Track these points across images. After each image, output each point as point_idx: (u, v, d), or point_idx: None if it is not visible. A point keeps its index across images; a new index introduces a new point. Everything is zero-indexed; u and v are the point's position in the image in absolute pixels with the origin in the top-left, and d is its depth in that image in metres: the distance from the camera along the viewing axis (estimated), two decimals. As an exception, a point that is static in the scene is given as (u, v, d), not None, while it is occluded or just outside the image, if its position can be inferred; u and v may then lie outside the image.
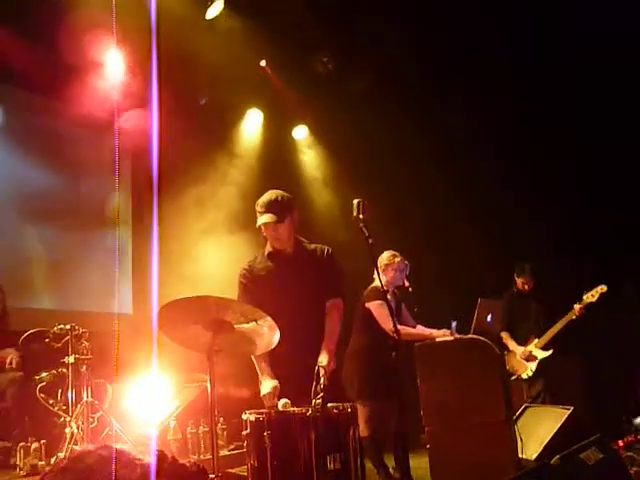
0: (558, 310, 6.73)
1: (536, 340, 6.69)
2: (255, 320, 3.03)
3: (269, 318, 3.04)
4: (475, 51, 6.80)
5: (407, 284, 5.53)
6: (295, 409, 3.17)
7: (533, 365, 6.63)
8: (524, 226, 7.37)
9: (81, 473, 1.09)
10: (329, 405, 3.07)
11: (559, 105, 7.09)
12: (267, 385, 3.48)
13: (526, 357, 6.66)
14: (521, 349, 6.67)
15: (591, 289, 6.45)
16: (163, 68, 6.18)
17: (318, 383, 3.04)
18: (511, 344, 6.71)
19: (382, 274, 5.36)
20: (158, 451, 1.16)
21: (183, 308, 2.99)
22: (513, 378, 6.61)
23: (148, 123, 6.32)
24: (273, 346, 3.17)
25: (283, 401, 3.25)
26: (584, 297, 6.47)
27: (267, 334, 3.10)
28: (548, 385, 6.65)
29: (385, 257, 5.47)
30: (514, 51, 6.79)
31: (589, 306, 6.50)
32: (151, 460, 1.14)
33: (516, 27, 6.55)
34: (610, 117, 7.03)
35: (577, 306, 6.49)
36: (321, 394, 3.00)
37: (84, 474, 1.09)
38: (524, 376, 6.63)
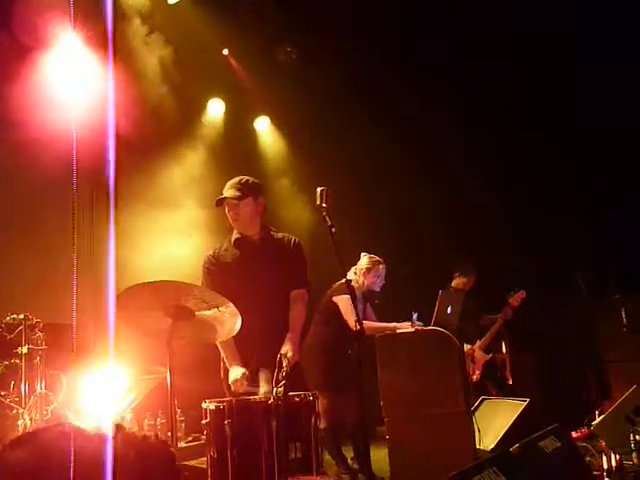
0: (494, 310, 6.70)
1: (478, 342, 6.57)
2: (217, 306, 2.97)
3: (231, 304, 2.99)
4: (449, 47, 6.74)
5: None
6: (256, 397, 3.13)
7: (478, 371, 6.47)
8: (488, 220, 7.34)
9: (39, 448, 1.03)
10: (291, 393, 3.04)
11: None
12: (236, 372, 3.43)
13: (471, 357, 6.42)
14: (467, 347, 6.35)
15: (514, 292, 6.56)
16: (121, 54, 6.06)
17: (280, 371, 3.00)
18: None
19: (361, 276, 5.38)
20: (115, 423, 1.11)
21: (143, 293, 2.92)
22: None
23: (104, 112, 6.20)
24: (235, 333, 3.12)
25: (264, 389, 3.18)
26: (509, 300, 6.56)
27: (229, 321, 3.05)
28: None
29: (369, 261, 5.42)
30: (509, 45, 6.69)
31: (515, 309, 6.58)
32: (108, 430, 1.08)
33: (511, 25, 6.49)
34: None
35: (509, 309, 6.58)
36: (283, 382, 2.96)
37: (42, 449, 1.03)
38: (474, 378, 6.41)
